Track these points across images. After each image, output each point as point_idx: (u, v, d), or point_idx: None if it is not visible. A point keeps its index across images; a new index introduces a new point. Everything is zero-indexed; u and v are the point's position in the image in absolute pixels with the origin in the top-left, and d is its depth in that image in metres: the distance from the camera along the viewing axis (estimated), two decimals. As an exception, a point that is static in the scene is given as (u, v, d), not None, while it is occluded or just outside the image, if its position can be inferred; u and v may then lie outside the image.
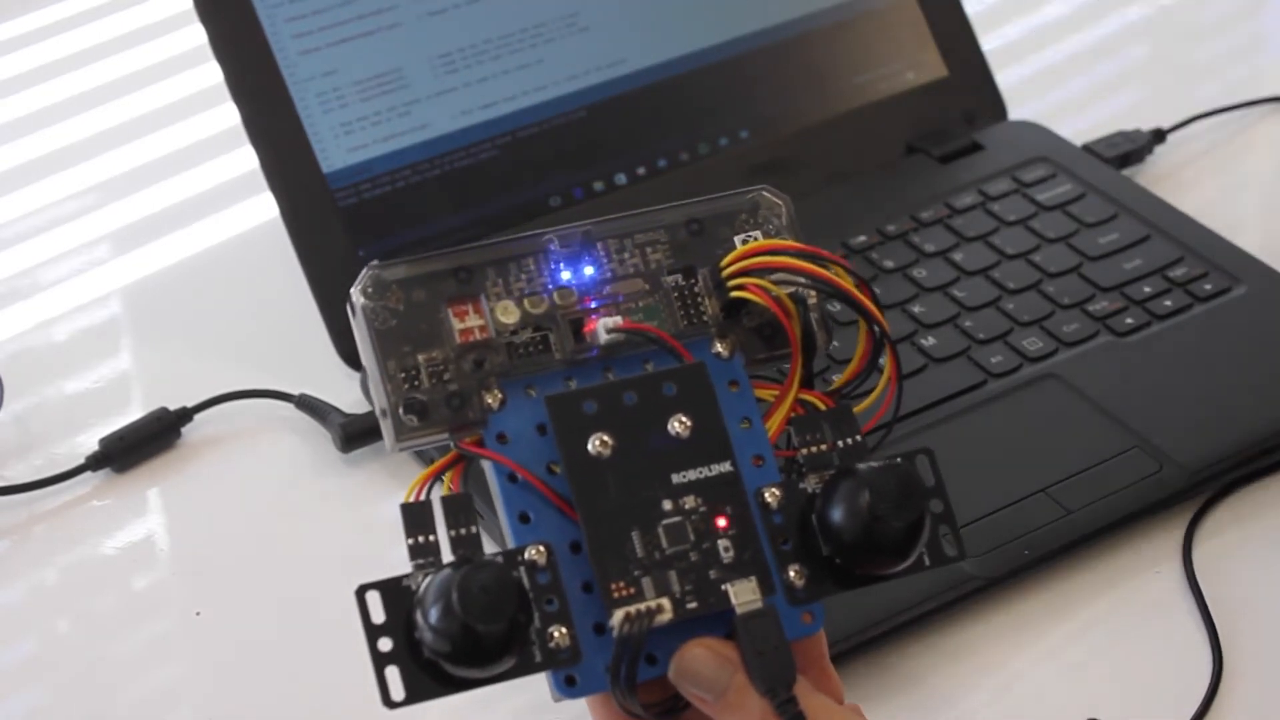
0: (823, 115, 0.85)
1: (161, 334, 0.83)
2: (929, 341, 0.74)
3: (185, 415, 0.75)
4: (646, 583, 0.44)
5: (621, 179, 0.81)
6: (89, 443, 0.74)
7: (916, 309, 0.76)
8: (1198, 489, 0.68)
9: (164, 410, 0.75)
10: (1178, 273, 0.77)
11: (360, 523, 0.71)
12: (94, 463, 0.73)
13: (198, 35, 0.75)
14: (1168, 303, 0.76)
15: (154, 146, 0.98)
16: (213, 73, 0.75)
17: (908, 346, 0.74)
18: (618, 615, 0.44)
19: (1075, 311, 0.76)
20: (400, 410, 0.46)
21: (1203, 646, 0.62)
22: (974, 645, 0.63)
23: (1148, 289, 0.77)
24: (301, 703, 0.63)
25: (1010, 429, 0.70)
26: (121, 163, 0.97)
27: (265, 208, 0.76)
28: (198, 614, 0.67)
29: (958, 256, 0.80)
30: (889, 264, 0.79)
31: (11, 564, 0.70)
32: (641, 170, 0.82)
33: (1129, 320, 0.75)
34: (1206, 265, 0.77)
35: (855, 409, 0.49)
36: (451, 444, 0.47)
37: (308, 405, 0.75)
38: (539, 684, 0.47)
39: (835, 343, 0.51)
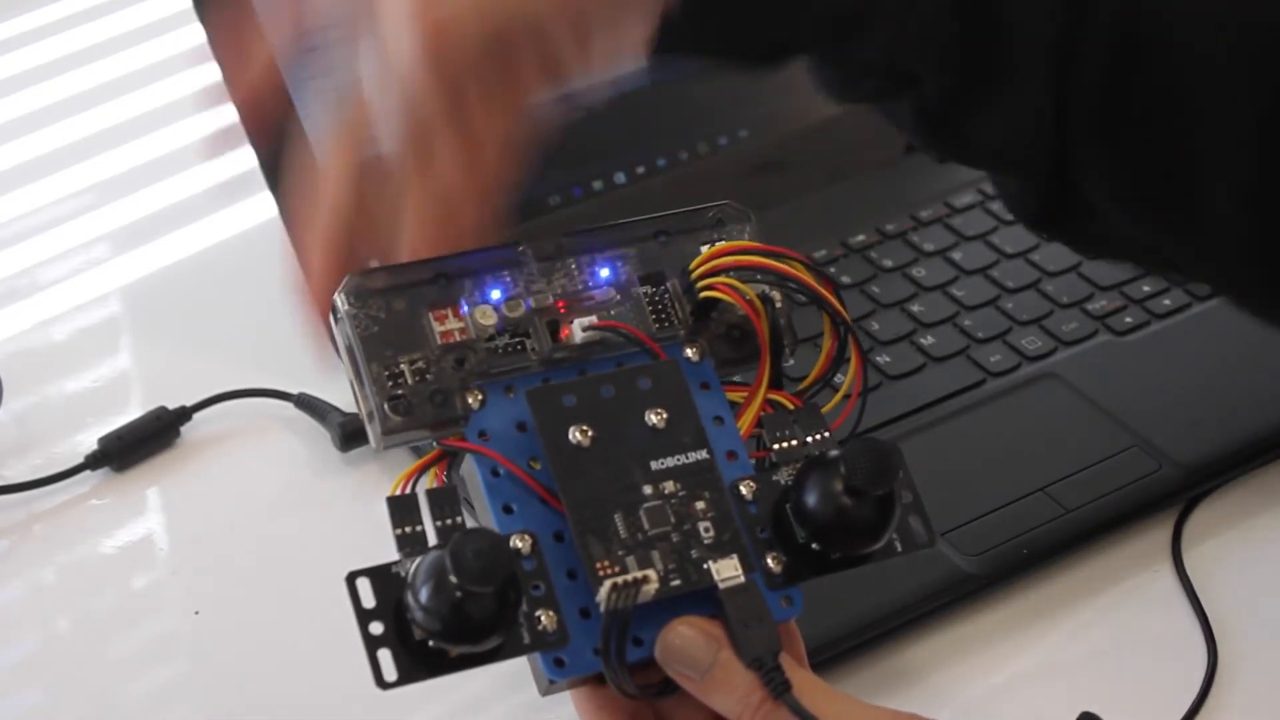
0: (823, 115, 0.85)
1: (161, 333, 0.83)
2: (928, 340, 0.75)
3: (184, 414, 0.75)
4: (630, 561, 0.45)
5: (621, 178, 0.81)
6: (88, 442, 0.74)
7: (915, 308, 0.76)
8: (1196, 488, 0.68)
9: (163, 409, 0.75)
10: (1177, 272, 0.77)
11: (359, 521, 0.70)
12: (93, 462, 0.73)
13: (198, 35, 0.75)
14: (1167, 301, 0.76)
15: (154, 146, 0.98)
16: (212, 73, 0.75)
17: (907, 345, 0.74)
18: (605, 586, 0.44)
19: (1074, 310, 0.76)
20: (385, 407, 0.47)
21: (1200, 644, 0.62)
22: (973, 644, 0.63)
23: (1146, 288, 0.77)
24: (301, 701, 0.63)
25: (1009, 428, 0.70)
26: (121, 162, 0.97)
27: (265, 208, 0.76)
28: (197, 613, 0.67)
29: (957, 255, 0.80)
30: (888, 263, 0.79)
31: (11, 563, 0.70)
32: (641, 169, 0.82)
33: (1128, 319, 0.75)
34: (1205, 264, 0.78)
35: (824, 408, 0.50)
36: (434, 442, 0.48)
37: (307, 404, 0.75)
38: (528, 689, 0.47)
39: (791, 360, 0.52)
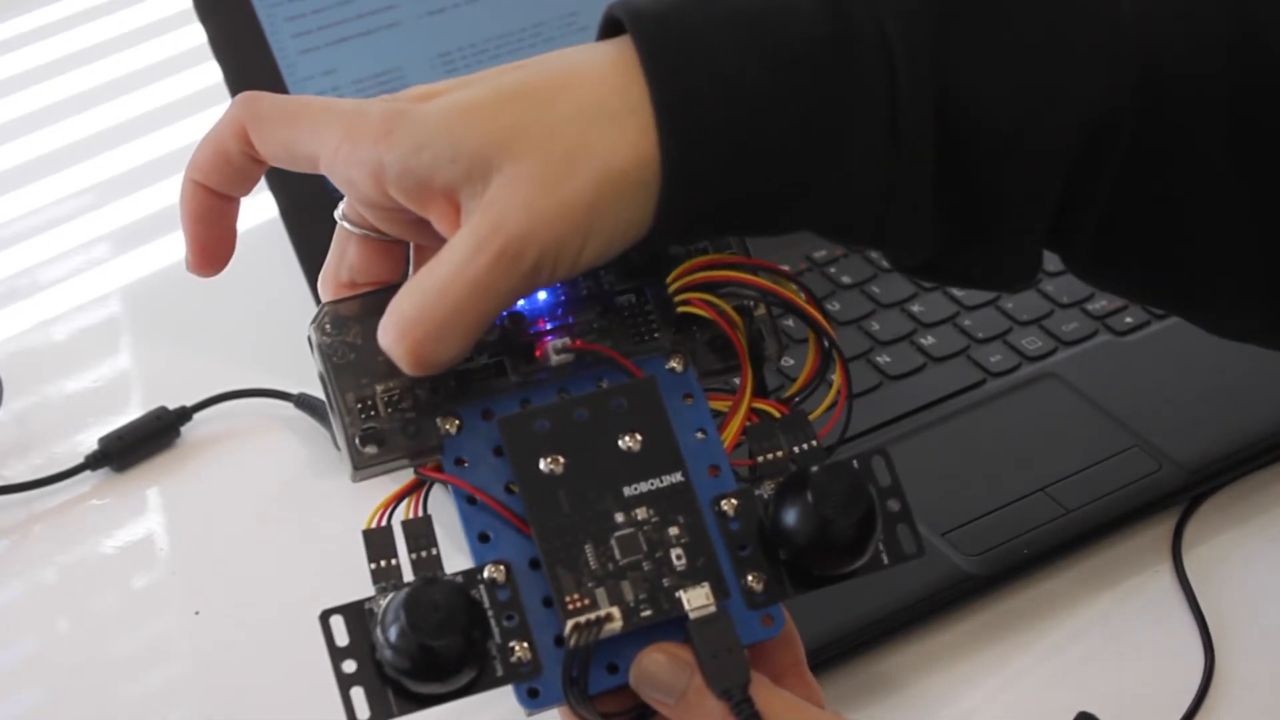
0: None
1: (161, 334, 0.83)
2: (928, 340, 0.75)
3: (184, 414, 0.75)
4: (600, 594, 0.45)
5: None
6: (88, 442, 0.74)
7: (915, 308, 0.76)
8: (1197, 488, 0.68)
9: (163, 409, 0.75)
10: (1177, 272, 0.77)
11: (358, 522, 0.70)
12: (93, 462, 0.73)
13: (198, 35, 0.75)
14: (1167, 302, 0.76)
15: (154, 146, 0.98)
16: (212, 72, 0.76)
17: (907, 345, 0.74)
18: (568, 626, 0.44)
19: (1074, 310, 0.76)
20: (357, 440, 0.47)
21: (1199, 645, 0.62)
22: (973, 644, 0.63)
23: (1147, 288, 0.77)
24: (300, 701, 0.63)
25: (1009, 428, 0.70)
26: (121, 163, 0.97)
27: (265, 207, 0.76)
28: (197, 613, 0.67)
29: (957, 256, 0.80)
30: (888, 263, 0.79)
31: (11, 563, 0.70)
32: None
33: (1128, 319, 0.75)
34: (1205, 264, 0.77)
35: (811, 415, 0.49)
36: (411, 470, 0.48)
37: (307, 405, 0.75)
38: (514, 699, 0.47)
39: (789, 360, 0.51)
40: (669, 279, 0.49)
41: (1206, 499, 0.68)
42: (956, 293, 0.77)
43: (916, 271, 0.52)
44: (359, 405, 0.47)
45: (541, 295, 0.49)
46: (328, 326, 0.48)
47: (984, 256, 0.51)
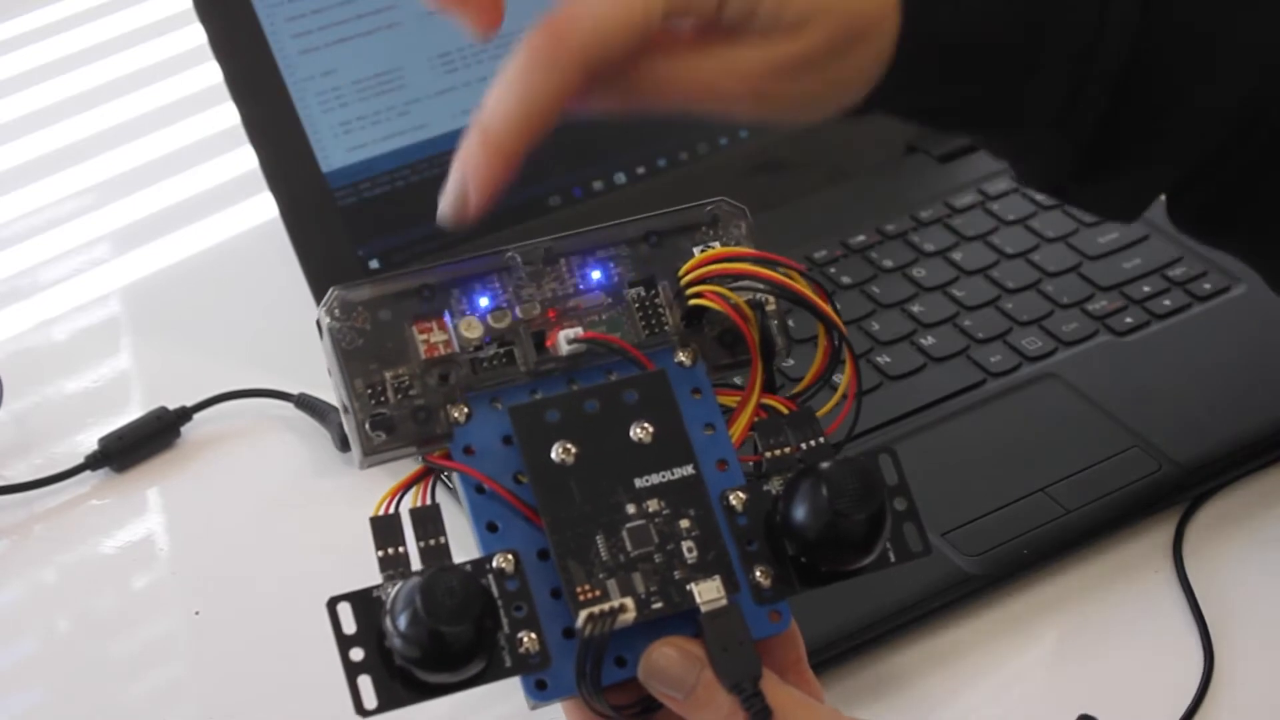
0: (822, 115, 0.85)
1: (161, 334, 0.83)
2: (928, 341, 0.75)
3: (185, 414, 0.75)
4: (612, 585, 0.45)
5: (621, 178, 0.81)
6: (88, 442, 0.74)
7: (916, 308, 0.76)
8: (1197, 488, 0.68)
9: (163, 409, 0.75)
10: (1177, 272, 0.77)
11: (359, 522, 0.70)
12: (93, 462, 0.73)
13: (198, 35, 0.75)
14: (1167, 302, 0.76)
15: (154, 146, 0.98)
16: (213, 73, 0.75)
17: (907, 345, 0.74)
18: (582, 616, 0.44)
19: (1074, 311, 0.76)
20: (367, 426, 0.47)
21: (1198, 645, 0.62)
22: (973, 644, 0.63)
23: (1147, 288, 0.77)
24: (301, 701, 0.63)
25: (1009, 429, 0.70)
26: (121, 163, 0.97)
27: (265, 207, 0.76)
28: (197, 613, 0.67)
29: (957, 256, 0.80)
30: (888, 263, 0.79)
31: (11, 563, 0.70)
32: (641, 170, 0.82)
33: (1128, 320, 0.75)
34: (1205, 264, 0.78)
35: (817, 413, 0.49)
36: (419, 458, 0.48)
37: (307, 405, 0.75)
38: (518, 695, 0.47)
39: (791, 360, 0.51)
40: (680, 272, 0.50)
41: (1207, 499, 0.68)
42: (957, 292, 0.77)
43: (1050, 189, 0.59)
44: (368, 391, 0.47)
45: (552, 285, 0.49)
46: (336, 311, 0.47)
47: (1118, 187, 0.58)
